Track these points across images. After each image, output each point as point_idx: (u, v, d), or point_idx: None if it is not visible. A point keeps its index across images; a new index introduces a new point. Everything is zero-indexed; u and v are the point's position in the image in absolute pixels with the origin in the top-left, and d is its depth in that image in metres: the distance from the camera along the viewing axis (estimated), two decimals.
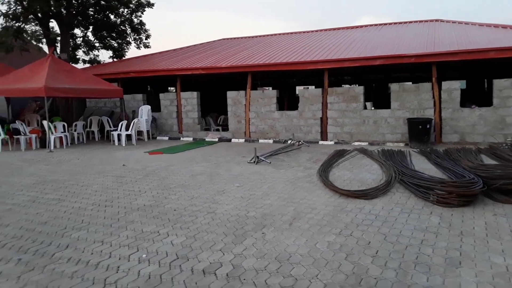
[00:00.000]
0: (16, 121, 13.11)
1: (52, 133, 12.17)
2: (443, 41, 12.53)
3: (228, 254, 3.70)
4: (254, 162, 9.10)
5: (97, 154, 11.01)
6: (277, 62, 13.11)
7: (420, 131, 11.02)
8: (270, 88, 20.46)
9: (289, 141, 12.90)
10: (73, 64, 17.67)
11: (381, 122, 12.14)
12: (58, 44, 18.95)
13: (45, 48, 18.73)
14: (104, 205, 5.61)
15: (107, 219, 4.90)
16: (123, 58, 21.51)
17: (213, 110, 18.27)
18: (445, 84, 11.41)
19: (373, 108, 13.90)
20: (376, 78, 21.05)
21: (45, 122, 12.52)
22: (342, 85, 20.34)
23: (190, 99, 14.96)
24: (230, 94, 14.34)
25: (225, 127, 16.69)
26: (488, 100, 11.54)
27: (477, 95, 14.22)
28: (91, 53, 21.89)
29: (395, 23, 18.05)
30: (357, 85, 19.78)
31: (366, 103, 13.04)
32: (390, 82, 23.34)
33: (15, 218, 4.99)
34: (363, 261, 3.50)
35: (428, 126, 10.97)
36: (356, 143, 12.24)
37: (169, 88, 24.41)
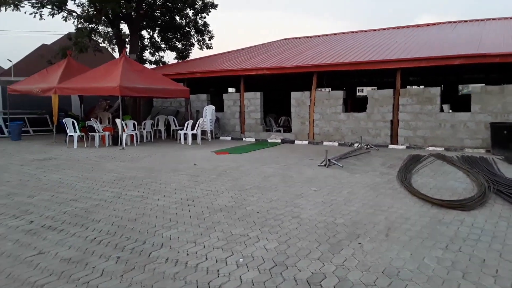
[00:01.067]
0: (91, 119, 13.74)
1: (124, 131, 12.60)
2: None
3: (328, 264, 3.48)
4: (325, 165, 8.82)
5: (166, 153, 11.24)
6: (345, 62, 12.70)
7: (505, 137, 10.17)
8: (328, 90, 20.01)
9: (356, 144, 12.46)
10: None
11: (460, 126, 11.36)
12: (127, 45, 19.79)
13: (113, 48, 19.58)
14: (186, 204, 5.60)
15: (193, 219, 4.87)
16: (187, 59, 22.02)
17: (272, 111, 18.14)
18: None
19: (450, 111, 13.08)
20: (444, 79, 19.91)
21: (118, 121, 13.02)
22: (407, 86, 19.52)
23: (253, 100, 14.93)
24: (294, 95, 14.13)
25: (286, 129, 16.53)
26: None
27: None
28: (157, 54, 22.61)
29: (470, 21, 16.90)
30: (422, 86, 18.88)
31: (443, 105, 12.27)
32: (461, 84, 22.15)
33: (105, 214, 5.09)
34: (485, 281, 3.14)
35: None
36: (431, 148, 11.56)
37: (228, 89, 24.67)
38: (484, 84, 11.13)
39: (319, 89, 13.94)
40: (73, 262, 3.55)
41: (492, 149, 10.44)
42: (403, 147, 12.05)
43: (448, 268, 3.41)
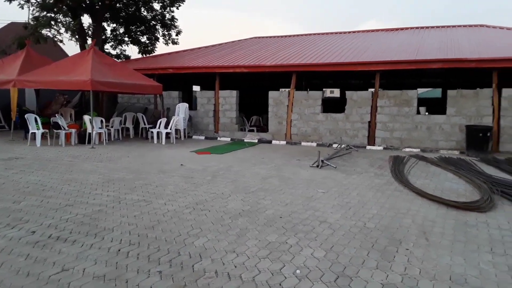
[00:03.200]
0: (56, 115, 12.73)
1: (93, 128, 11.77)
2: (499, 47, 12.12)
3: (392, 274, 3.31)
4: (318, 166, 8.71)
5: (143, 152, 10.63)
6: (326, 62, 12.72)
7: (480, 139, 10.63)
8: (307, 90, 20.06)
9: (334, 145, 12.52)
10: None
11: (435, 128, 11.74)
12: (89, 37, 18.66)
13: (76, 39, 18.30)
14: (199, 208, 5.22)
15: (216, 225, 4.51)
16: (152, 54, 21.14)
17: (242, 111, 17.84)
18: (506, 92, 11.03)
19: (427, 113, 13.50)
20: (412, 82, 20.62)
21: (86, 117, 12.16)
22: (380, 89, 20.05)
23: (229, 98, 14.59)
24: (272, 94, 13.96)
25: (258, 128, 16.34)
26: None
27: None
28: (119, 47, 21.53)
29: (441, 27, 17.63)
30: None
31: (420, 108, 12.64)
32: (420, 88, 23.06)
33: (114, 221, 4.60)
34: None
35: (488, 134, 10.58)
36: (407, 149, 11.85)
37: (193, 86, 24.05)
38: (460, 89, 11.55)
39: (283, 89, 13.82)
40: (110, 280, 3.11)
41: (467, 151, 10.87)
42: (380, 148, 12.27)
43: (508, 272, 3.35)
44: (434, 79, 20.63)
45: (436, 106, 21.22)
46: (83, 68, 11.91)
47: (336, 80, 22.72)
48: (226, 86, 15.08)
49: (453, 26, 17.44)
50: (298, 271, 3.31)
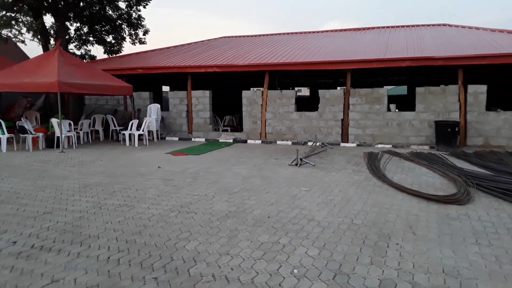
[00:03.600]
0: (22, 118, 12.17)
1: (61, 132, 11.33)
2: (463, 45, 12.62)
3: (387, 269, 3.36)
4: (297, 164, 8.77)
5: (116, 155, 10.35)
6: (299, 62, 12.82)
7: (448, 134, 11.01)
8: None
9: (309, 143, 12.65)
10: None
11: (405, 125, 12.08)
12: (51, 37, 17.97)
13: (38, 40, 17.55)
14: (184, 211, 5.12)
15: (205, 228, 4.44)
16: (119, 54, 20.60)
17: (215, 111, 17.74)
18: (471, 88, 11.48)
19: (397, 110, 13.85)
20: (378, 81, 21.16)
21: (54, 120, 11.73)
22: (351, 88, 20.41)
23: (202, 98, 14.44)
24: (246, 94, 13.94)
25: (232, 128, 16.28)
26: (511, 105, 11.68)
27: (499, 100, 14.32)
28: (83, 47, 20.86)
29: (405, 26, 18.11)
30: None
31: (390, 105, 12.95)
32: (385, 85, 23.70)
33: (99, 228, 4.44)
34: None
35: (456, 129, 10.98)
36: (379, 146, 12.14)
37: (163, 87, 23.67)
38: (428, 86, 11.91)
39: (254, 88, 13.87)
40: None
41: (437, 146, 11.25)
42: (354, 145, 12.50)
43: (496, 262, 3.48)
44: (400, 77, 21.24)
45: (402, 103, 21.94)
46: (48, 70, 11.46)
47: (306, 79, 22.98)
48: (198, 86, 14.92)
49: (417, 26, 18.01)
50: (295, 271, 3.30)
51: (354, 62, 12.21)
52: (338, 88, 24.97)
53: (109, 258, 3.60)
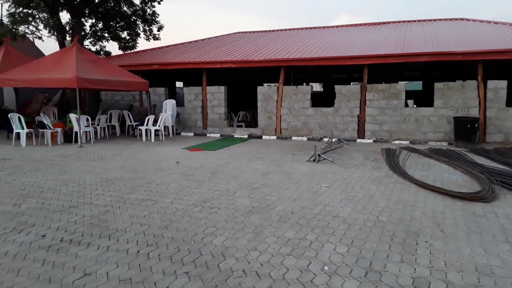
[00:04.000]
0: (40, 113, 12.33)
1: (79, 127, 11.44)
2: (482, 39, 12.39)
3: (419, 267, 3.33)
4: (315, 160, 8.73)
5: (134, 150, 10.43)
6: (316, 57, 12.74)
7: (468, 130, 10.86)
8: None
9: (325, 139, 12.59)
10: None
11: (423, 121, 11.94)
12: (68, 34, 18.14)
13: (56, 36, 17.71)
14: (207, 206, 5.14)
15: (230, 223, 4.45)
16: (133, 50, 20.71)
17: (229, 106, 17.73)
18: (491, 83, 11.29)
19: (415, 106, 13.69)
20: (393, 76, 20.92)
21: (72, 116, 11.84)
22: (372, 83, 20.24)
23: (217, 94, 14.45)
24: (261, 90, 13.91)
25: (247, 124, 16.28)
26: None
27: None
28: (98, 43, 21.01)
29: (422, 21, 17.86)
30: (383, 82, 19.66)
31: (408, 100, 12.80)
32: (401, 81, 23.44)
33: (125, 222, 4.48)
34: None
35: (476, 125, 10.82)
36: (396, 142, 12.02)
37: (176, 83, 23.76)
38: (447, 81, 11.74)
39: (268, 84, 13.78)
40: (137, 283, 3.01)
41: (456, 142, 11.09)
42: (370, 141, 12.40)
43: None
44: (414, 72, 20.97)
45: (417, 99, 21.68)
46: (66, 65, 11.56)
47: (319, 74, 22.83)
48: (212, 82, 14.93)
49: (434, 20, 17.73)
50: (326, 268, 3.29)
51: (371, 57, 12.08)
52: (352, 83, 24.87)
53: (138, 252, 3.62)
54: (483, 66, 11.37)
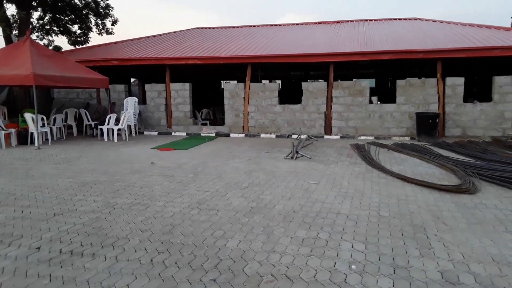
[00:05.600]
0: None
1: (37, 127, 10.65)
2: (440, 38, 13.04)
3: (441, 261, 3.40)
4: (292, 157, 8.74)
5: (100, 152, 9.89)
6: (283, 54, 12.76)
7: (429, 125, 11.37)
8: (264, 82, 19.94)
9: (294, 136, 12.67)
10: None
11: (387, 117, 12.36)
12: (14, 26, 16.88)
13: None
14: (204, 208, 4.95)
15: (236, 225, 4.31)
16: (85, 45, 19.64)
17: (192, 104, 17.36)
18: (449, 80, 11.90)
19: (379, 102, 14.13)
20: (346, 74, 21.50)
21: (28, 115, 11.01)
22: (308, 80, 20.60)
23: (182, 91, 14.07)
24: (228, 87, 13.73)
25: (211, 121, 16.04)
26: (487, 96, 12.23)
27: (474, 91, 14.77)
28: (46, 38, 19.74)
29: (378, 20, 18.46)
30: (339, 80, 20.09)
31: (372, 97, 13.18)
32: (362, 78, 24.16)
33: (123, 229, 4.19)
34: None
35: (437, 120, 11.36)
36: (362, 137, 12.35)
37: (131, 79, 22.92)
38: (408, 78, 12.23)
39: (225, 81, 13.70)
40: None
41: (418, 137, 11.60)
42: (337, 137, 12.65)
43: None
44: (368, 69, 21.74)
45: (370, 96, 22.48)
46: (20, 61, 10.73)
47: (277, 72, 22.96)
48: (172, 79, 14.48)
49: (390, 19, 18.43)
50: (353, 266, 3.26)
51: (337, 54, 12.31)
52: (309, 81, 25.30)
53: (152, 260, 3.39)
54: (442, 63, 11.95)
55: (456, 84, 11.82)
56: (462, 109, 11.86)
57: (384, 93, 20.04)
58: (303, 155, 8.77)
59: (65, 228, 4.21)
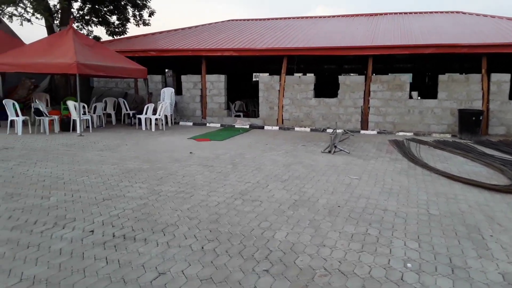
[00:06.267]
0: (36, 100, 11.75)
1: (79, 115, 10.95)
2: (485, 33, 12.51)
3: (501, 262, 3.27)
4: (330, 151, 8.63)
5: (138, 140, 10.08)
6: (321, 46, 12.59)
7: (472, 123, 10.97)
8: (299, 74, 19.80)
9: (329, 130, 12.51)
10: None
11: (427, 113, 12.01)
12: (57, 16, 17.39)
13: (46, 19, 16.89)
14: (248, 199, 4.95)
15: (281, 217, 4.29)
16: (123, 35, 20.00)
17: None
18: (495, 76, 11.42)
19: (419, 97, 13.76)
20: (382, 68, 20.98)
21: (71, 103, 11.33)
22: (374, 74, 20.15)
23: (217, 83, 14.14)
24: (263, 79, 13.68)
25: (244, 113, 16.05)
26: None
27: None
28: (85, 28, 20.22)
29: (419, 13, 17.90)
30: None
31: (412, 92, 12.84)
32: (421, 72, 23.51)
33: (171, 216, 4.25)
34: None
35: (481, 118, 10.94)
36: (400, 133, 12.06)
37: (166, 70, 23.18)
38: (451, 73, 11.83)
39: (260, 73, 13.58)
40: (221, 283, 2.82)
41: (460, 134, 11.21)
42: (374, 132, 12.40)
43: None
44: (404, 64, 21.15)
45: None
46: (64, 50, 11.03)
47: (310, 65, 22.67)
48: (207, 71, 14.53)
49: (431, 12, 17.83)
50: (409, 265, 3.17)
51: (378, 48, 12.03)
52: (342, 74, 24.88)
53: (202, 248, 3.42)
54: (487, 59, 11.47)
55: (501, 80, 11.33)
56: (507, 106, 11.37)
57: (422, 88, 19.49)
58: (341, 150, 8.64)
59: (115, 213, 4.30)
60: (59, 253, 3.25)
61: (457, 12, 17.17)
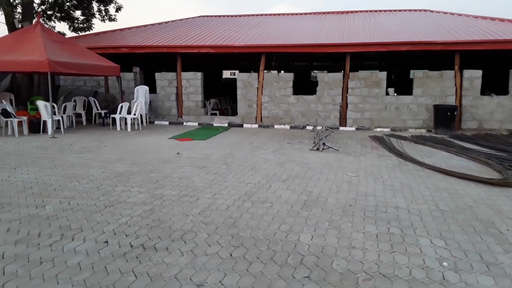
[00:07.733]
0: (3, 101, 10.98)
1: (49, 115, 10.35)
2: (457, 30, 12.95)
3: None
4: (318, 149, 8.63)
5: (117, 141, 9.67)
6: (300, 44, 12.57)
7: (447, 118, 11.33)
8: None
9: (308, 127, 12.54)
10: None
11: (403, 109, 12.29)
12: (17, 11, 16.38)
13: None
14: (256, 201, 4.81)
15: (298, 218, 4.19)
16: (88, 31, 19.14)
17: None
18: (467, 73, 11.84)
19: (395, 94, 14.05)
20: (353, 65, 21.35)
21: (40, 103, 10.71)
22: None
23: (193, 80, 13.82)
24: (241, 76, 13.51)
25: (220, 112, 15.82)
26: (504, 89, 12.20)
27: (491, 84, 14.69)
28: (48, 23, 19.19)
29: (389, 11, 18.30)
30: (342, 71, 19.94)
31: (388, 89, 13.10)
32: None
33: (184, 222, 4.04)
34: None
35: (455, 113, 11.32)
36: (378, 129, 12.27)
37: (133, 68, 22.44)
38: (426, 70, 12.17)
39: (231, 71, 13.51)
40: None
41: (435, 129, 11.55)
42: (353, 128, 12.56)
43: None
44: (373, 61, 21.68)
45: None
46: (32, 47, 10.38)
47: (282, 62, 22.73)
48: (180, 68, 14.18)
49: (400, 10, 18.30)
50: (445, 264, 3.15)
51: (356, 45, 12.16)
52: (314, 71, 25.12)
53: (231, 255, 3.25)
54: (460, 56, 11.88)
55: (473, 76, 11.77)
56: (479, 102, 11.83)
57: (392, 85, 19.97)
58: (330, 147, 8.65)
59: (124, 220, 4.04)
60: (79, 268, 2.98)
61: (425, 11, 17.71)
